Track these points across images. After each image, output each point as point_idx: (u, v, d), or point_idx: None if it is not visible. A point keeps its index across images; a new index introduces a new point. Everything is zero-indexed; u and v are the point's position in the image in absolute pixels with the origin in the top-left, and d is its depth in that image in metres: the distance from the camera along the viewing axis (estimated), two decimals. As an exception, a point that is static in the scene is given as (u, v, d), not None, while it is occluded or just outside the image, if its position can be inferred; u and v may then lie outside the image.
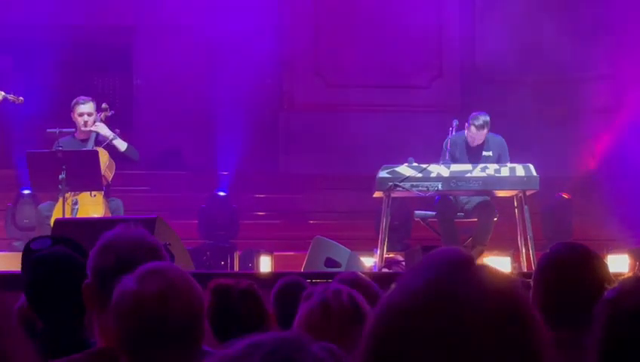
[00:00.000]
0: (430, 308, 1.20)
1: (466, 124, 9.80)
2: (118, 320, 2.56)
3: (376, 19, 13.59)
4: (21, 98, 9.79)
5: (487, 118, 9.77)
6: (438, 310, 1.20)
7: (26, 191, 11.08)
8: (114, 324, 2.57)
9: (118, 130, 9.77)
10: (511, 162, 9.59)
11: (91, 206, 9.36)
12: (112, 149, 9.59)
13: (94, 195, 9.40)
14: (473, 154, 9.81)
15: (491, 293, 1.22)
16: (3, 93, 9.70)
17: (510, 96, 12.98)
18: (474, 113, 9.87)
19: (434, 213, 9.87)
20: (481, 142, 9.79)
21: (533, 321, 1.22)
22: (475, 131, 9.72)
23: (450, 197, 9.77)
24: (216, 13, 13.30)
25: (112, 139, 9.58)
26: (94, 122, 9.63)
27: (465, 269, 1.23)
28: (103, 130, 9.60)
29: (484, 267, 1.25)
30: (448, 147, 9.72)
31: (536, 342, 1.22)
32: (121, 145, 9.63)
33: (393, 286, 1.27)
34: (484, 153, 9.82)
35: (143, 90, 13.76)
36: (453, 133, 9.83)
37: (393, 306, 1.22)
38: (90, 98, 9.78)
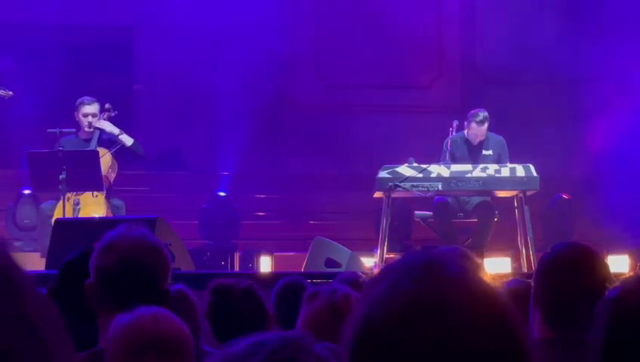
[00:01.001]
0: (412, 322, 1.18)
1: (466, 123, 9.84)
2: (114, 347, 2.57)
3: (376, 19, 13.58)
4: (10, 92, 9.78)
5: (487, 114, 9.84)
6: (412, 324, 1.18)
7: (27, 191, 11.08)
8: (110, 354, 2.58)
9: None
10: (511, 162, 9.59)
11: (93, 206, 9.37)
12: (118, 147, 9.61)
13: (96, 196, 9.41)
14: (473, 153, 9.82)
15: (470, 308, 1.20)
16: None
17: (510, 97, 12.97)
18: (472, 111, 9.93)
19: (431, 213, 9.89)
20: (482, 138, 9.82)
21: (519, 333, 1.21)
22: (476, 127, 9.77)
23: (448, 198, 9.76)
24: (217, 14, 13.29)
25: (119, 135, 9.62)
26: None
27: (444, 276, 1.21)
28: (108, 126, 9.64)
29: (463, 274, 1.24)
30: (448, 147, 9.73)
31: (521, 352, 1.21)
32: (128, 140, 9.68)
33: (365, 286, 1.25)
34: (484, 152, 9.85)
35: (144, 91, 13.76)
36: (453, 133, 9.84)
37: (367, 319, 1.20)
38: (96, 99, 9.80)
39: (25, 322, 0.91)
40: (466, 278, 1.22)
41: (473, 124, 9.79)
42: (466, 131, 9.83)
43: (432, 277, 1.21)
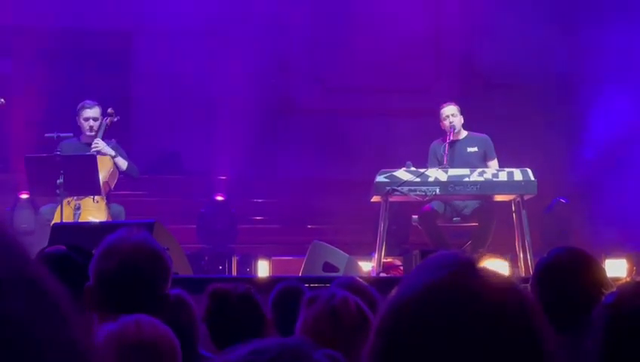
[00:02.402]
0: (442, 302, 1.22)
1: (441, 123, 9.90)
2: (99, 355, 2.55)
3: (374, 23, 13.59)
4: (2, 100, 9.77)
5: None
6: (450, 304, 1.22)
7: (24, 196, 11.08)
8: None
9: (114, 140, 9.78)
10: (509, 166, 9.60)
11: (94, 211, 9.36)
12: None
13: (97, 201, 9.40)
14: (459, 153, 9.83)
15: (500, 291, 1.26)
16: None
17: (510, 100, 12.97)
18: None
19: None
20: (456, 114, 9.83)
21: (540, 321, 1.26)
22: (444, 110, 9.87)
23: (434, 205, 9.74)
24: (215, 19, 13.29)
25: (114, 157, 9.60)
26: (99, 127, 9.65)
27: (474, 269, 1.27)
28: (104, 148, 9.59)
29: (489, 270, 1.29)
30: (446, 151, 9.73)
31: (542, 339, 1.26)
32: (122, 163, 9.65)
33: (399, 286, 1.29)
34: (469, 149, 9.89)
35: (142, 95, 13.76)
36: (451, 137, 9.84)
37: (404, 302, 1.24)
38: (97, 102, 9.77)
39: (34, 286, 0.90)
40: (490, 276, 1.29)
41: (442, 111, 9.90)
42: (447, 123, 9.88)
43: (459, 271, 1.27)
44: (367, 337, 2.98)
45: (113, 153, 9.61)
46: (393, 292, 1.29)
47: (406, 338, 1.22)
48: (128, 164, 9.70)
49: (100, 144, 9.57)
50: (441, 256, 1.29)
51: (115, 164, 9.61)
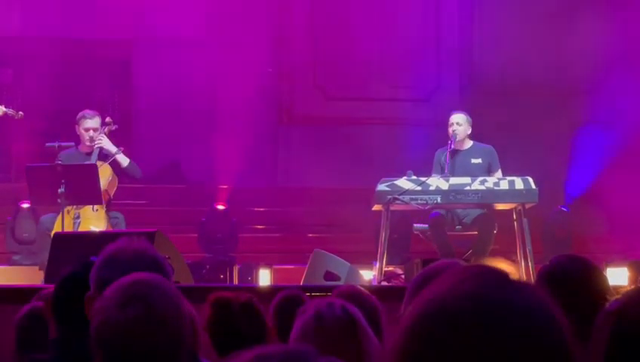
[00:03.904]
0: (475, 317, 1.22)
1: (448, 131, 9.89)
2: (101, 350, 2.51)
3: (374, 31, 13.60)
4: (21, 113, 9.79)
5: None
6: (483, 319, 1.22)
7: (25, 205, 11.08)
8: (96, 352, 2.52)
9: (122, 148, 9.79)
10: (510, 175, 9.60)
11: (93, 220, 9.36)
12: (114, 164, 9.60)
13: (96, 209, 9.40)
14: (461, 163, 9.83)
15: (534, 309, 1.29)
16: (3, 107, 9.70)
17: (510, 109, 12.97)
18: None
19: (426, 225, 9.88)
20: (461, 123, 9.82)
21: (570, 339, 1.26)
22: (452, 117, 9.86)
23: (442, 212, 9.74)
24: (215, 27, 13.31)
25: (116, 154, 9.60)
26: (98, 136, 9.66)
27: (507, 282, 1.26)
28: (107, 144, 9.61)
29: (523, 283, 1.30)
30: (447, 159, 9.73)
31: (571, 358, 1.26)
32: (124, 160, 9.65)
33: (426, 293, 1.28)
34: (473, 161, 9.87)
35: (142, 104, 13.76)
36: (452, 146, 9.84)
37: (432, 313, 1.23)
38: (97, 113, 9.78)
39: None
40: (525, 287, 1.30)
41: (450, 119, 9.88)
42: (450, 130, 9.86)
43: (492, 282, 1.27)
44: (354, 339, 2.96)
45: (115, 150, 9.62)
46: (427, 295, 1.27)
47: (446, 346, 1.21)
48: (130, 162, 9.70)
49: (104, 140, 9.59)
50: (471, 267, 1.29)
51: (116, 161, 9.59)
